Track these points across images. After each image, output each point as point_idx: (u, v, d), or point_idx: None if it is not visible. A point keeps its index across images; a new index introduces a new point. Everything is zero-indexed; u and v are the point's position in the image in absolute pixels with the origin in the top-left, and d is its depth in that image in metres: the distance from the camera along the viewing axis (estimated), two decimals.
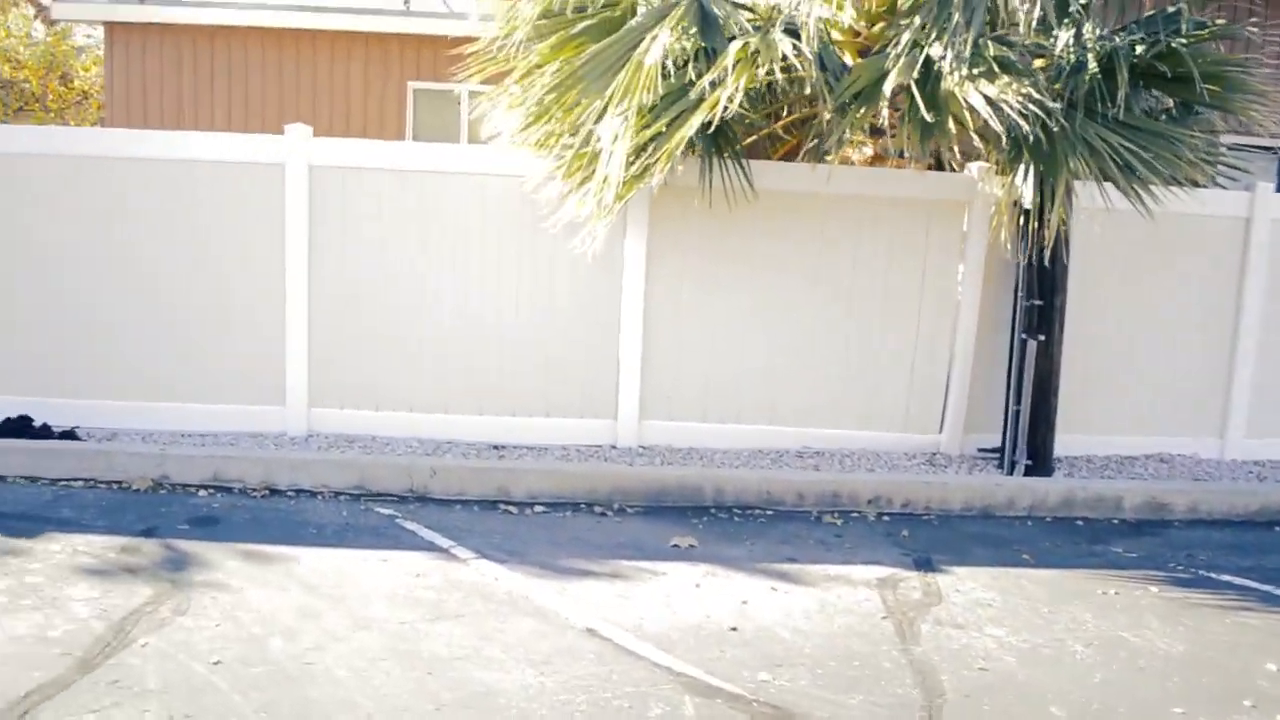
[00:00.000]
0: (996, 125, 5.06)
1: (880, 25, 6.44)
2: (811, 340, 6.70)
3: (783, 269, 6.63)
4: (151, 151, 6.47)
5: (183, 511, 5.59)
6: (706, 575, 5.01)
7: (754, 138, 6.80)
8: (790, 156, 7.06)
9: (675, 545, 5.39)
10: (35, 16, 9.57)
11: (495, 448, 6.60)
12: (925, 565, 5.26)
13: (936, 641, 4.40)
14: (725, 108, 5.28)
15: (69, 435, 6.31)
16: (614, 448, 6.70)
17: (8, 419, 6.37)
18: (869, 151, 6.73)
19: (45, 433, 6.34)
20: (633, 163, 5.75)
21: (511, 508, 5.86)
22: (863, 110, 5.42)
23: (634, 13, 6.41)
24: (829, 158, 6.89)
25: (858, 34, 6.55)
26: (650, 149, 5.70)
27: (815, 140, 6.99)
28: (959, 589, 4.97)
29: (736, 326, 6.68)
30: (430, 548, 5.22)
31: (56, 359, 6.60)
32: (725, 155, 6.21)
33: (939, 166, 6.82)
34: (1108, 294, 6.80)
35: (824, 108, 5.70)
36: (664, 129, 5.61)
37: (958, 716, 3.73)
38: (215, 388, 6.65)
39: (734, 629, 4.44)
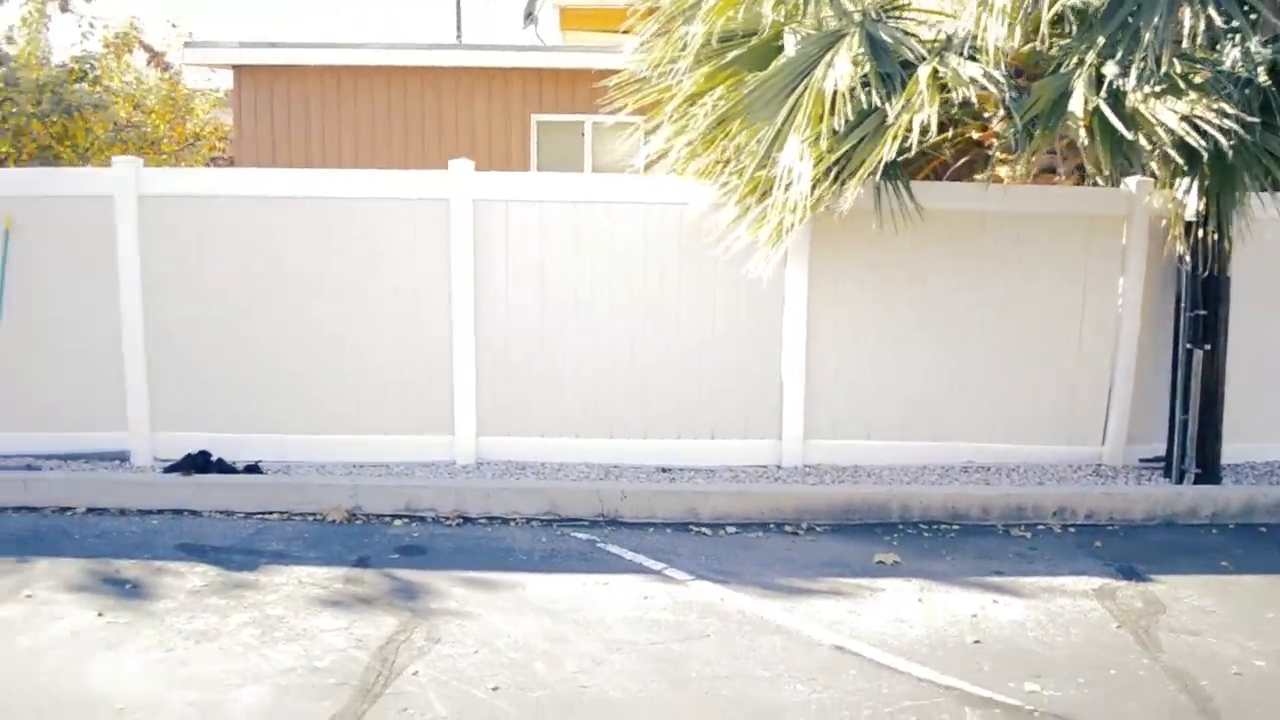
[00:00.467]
0: (1196, 141, 5.15)
1: (1029, 46, 6.54)
2: (973, 356, 6.76)
3: (942, 287, 6.70)
4: (313, 190, 6.61)
5: (386, 541, 5.68)
6: (923, 590, 5.07)
7: (904, 156, 6.90)
8: (936, 175, 7.16)
9: (880, 562, 5.45)
10: (149, 62, 9.74)
11: (663, 470, 6.67)
12: (1132, 575, 5.30)
13: (1178, 649, 4.44)
14: (924, 130, 5.37)
15: (254, 469, 6.41)
16: (779, 467, 6.76)
17: (189, 455, 6.48)
18: (1020, 169, 6.81)
19: (224, 467, 6.44)
20: (812, 188, 5.84)
21: (704, 529, 5.93)
22: (1052, 127, 5.51)
23: (780, 39, 6.54)
24: (978, 176, 7.00)
25: (1005, 54, 6.66)
26: (833, 173, 5.80)
27: (964, 158, 7.10)
28: (1176, 597, 5.01)
29: (898, 345, 6.75)
30: (642, 570, 5.29)
31: (230, 395, 6.72)
32: (895, 177, 6.30)
33: (1081, 181, 6.91)
34: (1265, 303, 6.85)
35: (996, 127, 5.79)
36: (848, 154, 5.71)
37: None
38: (384, 420, 6.75)
39: (976, 641, 4.49)
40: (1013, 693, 4.03)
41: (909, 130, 5.44)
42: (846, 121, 5.57)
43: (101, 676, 4.05)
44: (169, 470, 6.37)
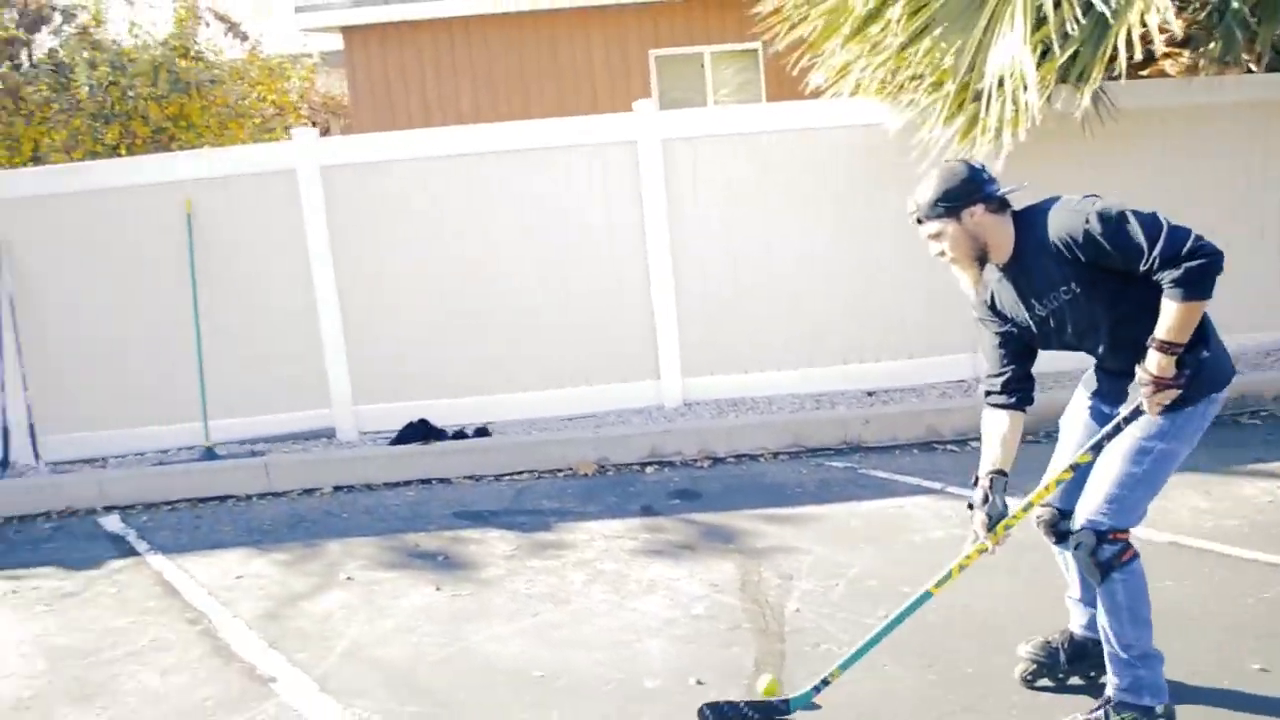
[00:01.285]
0: None
1: None
2: None
3: (1119, 182, 6.75)
4: (491, 145, 6.56)
5: (652, 489, 5.72)
6: (1204, 484, 5.22)
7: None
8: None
9: None
10: (226, 32, 9.39)
11: (868, 394, 6.76)
12: None
13: None
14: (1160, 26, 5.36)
15: (483, 432, 6.40)
16: (977, 380, 6.86)
17: (410, 424, 6.45)
18: (1185, 61, 6.87)
19: (444, 434, 6.41)
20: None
21: (950, 446, 6.05)
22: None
23: None
24: (1143, 72, 7.06)
25: None
26: (1048, 80, 5.82)
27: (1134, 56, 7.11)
28: None
29: None
30: (924, 491, 5.39)
31: (429, 363, 6.68)
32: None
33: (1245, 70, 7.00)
34: None
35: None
36: (1071, 57, 5.72)
37: None
38: (588, 371, 6.77)
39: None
40: None
41: (1144, 26, 5.42)
42: (1077, 22, 5.55)
43: (492, 648, 4.04)
44: (395, 442, 6.35)
